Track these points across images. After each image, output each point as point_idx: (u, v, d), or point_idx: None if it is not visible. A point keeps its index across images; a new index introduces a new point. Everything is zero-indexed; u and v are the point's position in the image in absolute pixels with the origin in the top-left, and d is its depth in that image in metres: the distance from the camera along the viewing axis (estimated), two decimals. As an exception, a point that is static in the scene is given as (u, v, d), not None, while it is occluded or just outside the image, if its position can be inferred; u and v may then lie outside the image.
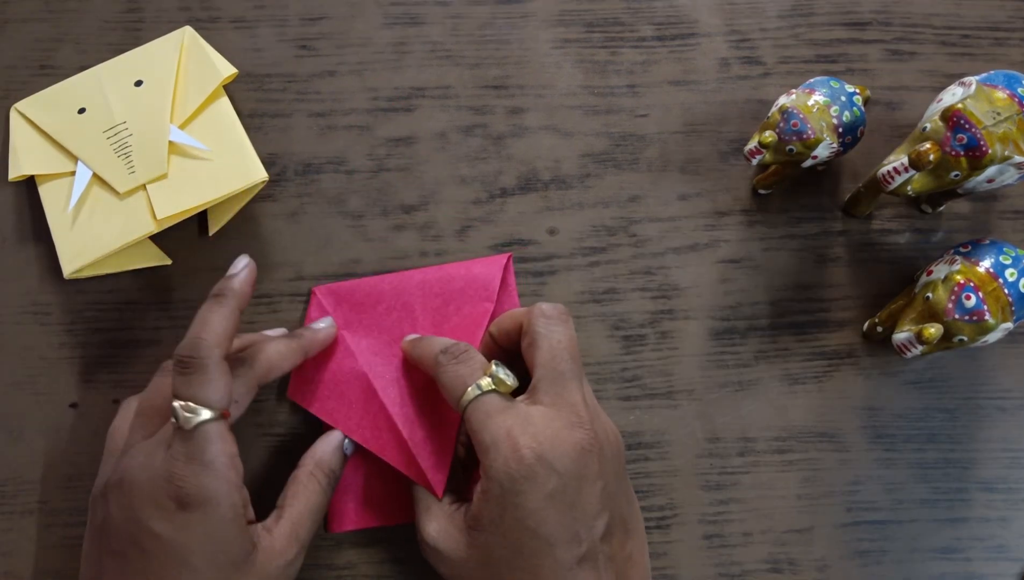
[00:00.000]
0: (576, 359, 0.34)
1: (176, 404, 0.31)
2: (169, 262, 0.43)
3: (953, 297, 0.35)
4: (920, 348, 0.36)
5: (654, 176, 0.45)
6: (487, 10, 0.48)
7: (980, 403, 0.42)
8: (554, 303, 0.36)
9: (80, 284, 0.43)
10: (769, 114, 0.40)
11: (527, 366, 0.35)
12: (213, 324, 0.33)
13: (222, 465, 0.31)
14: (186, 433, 0.31)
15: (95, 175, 0.42)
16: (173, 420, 0.31)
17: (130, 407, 0.37)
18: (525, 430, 0.32)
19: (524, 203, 0.45)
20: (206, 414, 0.31)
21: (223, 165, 0.42)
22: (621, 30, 0.48)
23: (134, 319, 0.42)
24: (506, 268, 0.42)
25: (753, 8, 0.48)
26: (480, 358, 0.35)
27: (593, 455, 0.32)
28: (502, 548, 0.32)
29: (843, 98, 0.40)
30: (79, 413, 0.41)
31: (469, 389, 0.33)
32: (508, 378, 0.34)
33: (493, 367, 0.34)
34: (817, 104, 0.40)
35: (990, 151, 0.35)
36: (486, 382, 0.33)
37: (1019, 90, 0.36)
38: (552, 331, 0.34)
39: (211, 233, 0.43)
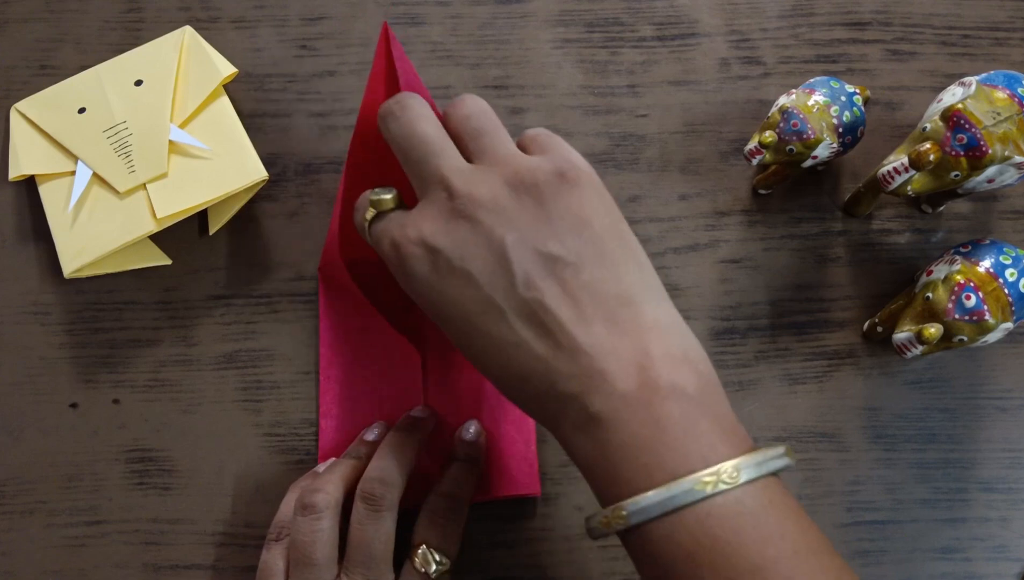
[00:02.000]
0: (429, 137, 0.32)
1: (423, 551, 0.34)
2: (169, 262, 0.43)
3: (953, 297, 0.35)
4: (920, 348, 0.36)
5: (654, 176, 0.45)
6: (487, 10, 0.48)
7: (980, 403, 0.42)
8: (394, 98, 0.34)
9: (80, 284, 0.43)
10: (769, 114, 0.40)
11: None
12: (406, 457, 0.36)
13: None
14: (427, 578, 0.34)
15: (95, 174, 0.42)
16: (417, 560, 0.34)
17: (282, 552, 0.36)
18: (402, 229, 0.31)
19: (524, 203, 0.44)
20: (446, 563, 0.35)
21: (223, 164, 0.42)
22: (621, 30, 0.48)
23: (134, 319, 0.42)
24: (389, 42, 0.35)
25: (753, 8, 0.48)
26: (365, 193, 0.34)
27: (467, 218, 0.30)
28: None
29: (843, 98, 0.40)
30: (79, 413, 0.41)
31: (363, 222, 0.34)
32: (381, 194, 0.33)
33: (369, 195, 0.33)
34: (817, 104, 0.40)
35: (990, 151, 0.35)
36: (369, 212, 0.33)
37: (1019, 90, 0.36)
38: (391, 128, 0.33)
39: (211, 233, 0.43)
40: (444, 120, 0.33)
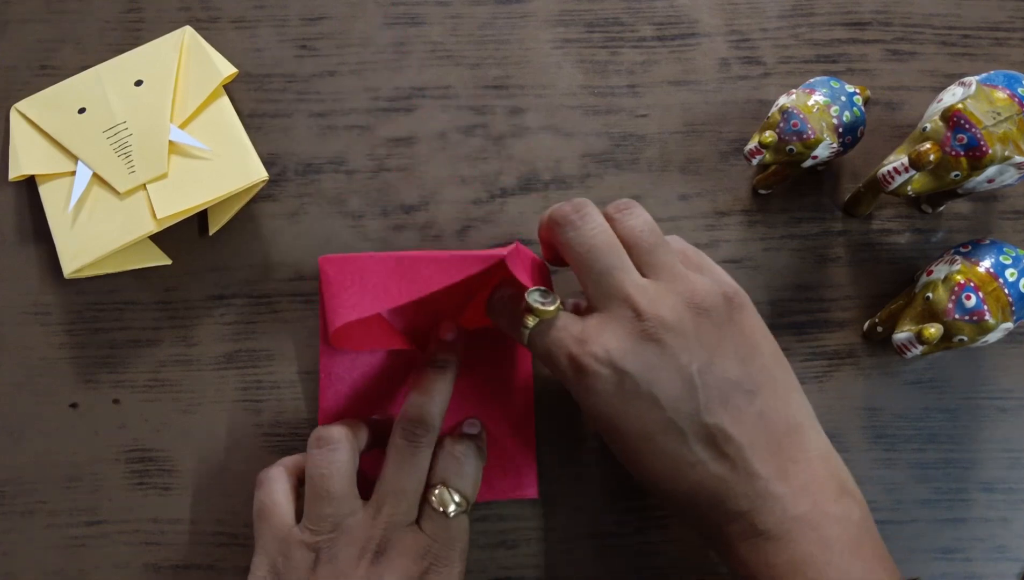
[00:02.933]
0: (610, 249, 0.34)
1: (440, 490, 0.34)
2: (169, 262, 0.43)
3: (953, 297, 0.35)
4: (920, 348, 0.36)
5: (654, 176, 0.45)
6: (487, 10, 0.48)
7: (980, 403, 0.42)
8: (566, 202, 0.35)
9: (80, 284, 0.43)
10: (769, 114, 0.40)
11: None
12: (443, 394, 0.37)
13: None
14: (447, 521, 0.34)
15: (95, 175, 0.42)
16: (434, 499, 0.34)
17: (281, 477, 0.36)
18: (583, 345, 0.32)
19: (524, 203, 0.45)
20: (463, 503, 0.35)
21: (223, 164, 0.42)
22: (621, 30, 0.48)
23: (134, 319, 0.42)
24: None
25: (753, 8, 0.48)
26: (520, 299, 0.35)
27: (656, 341, 0.32)
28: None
29: (843, 98, 0.40)
30: (79, 413, 0.41)
31: (523, 330, 0.34)
32: (543, 300, 0.34)
33: (527, 298, 0.34)
34: (817, 104, 0.40)
35: (990, 151, 0.35)
36: (531, 320, 0.34)
37: (1019, 90, 0.36)
38: (570, 237, 0.34)
39: (211, 233, 0.43)
40: (612, 226, 0.35)
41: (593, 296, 0.34)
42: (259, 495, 0.35)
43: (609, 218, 0.35)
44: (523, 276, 0.35)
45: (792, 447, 0.32)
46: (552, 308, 0.34)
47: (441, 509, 0.34)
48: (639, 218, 0.35)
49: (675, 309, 0.32)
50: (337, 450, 0.34)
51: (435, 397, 0.36)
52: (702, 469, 0.31)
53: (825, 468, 0.32)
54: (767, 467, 0.31)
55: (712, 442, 0.31)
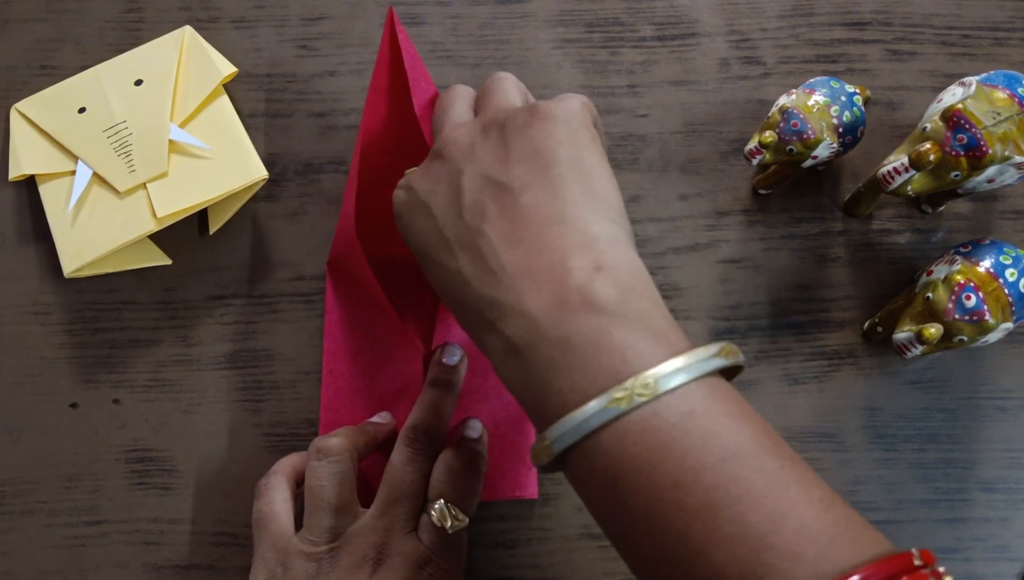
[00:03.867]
0: (450, 104, 0.34)
1: (440, 506, 0.34)
2: (169, 262, 0.43)
3: (953, 297, 0.35)
4: (920, 348, 0.36)
5: (654, 176, 0.45)
6: (487, 10, 0.48)
7: (980, 403, 0.42)
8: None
9: (80, 284, 0.43)
10: (769, 114, 0.40)
11: None
12: (446, 411, 0.37)
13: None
14: (446, 534, 0.34)
15: (95, 174, 0.42)
16: (434, 514, 0.34)
17: (280, 486, 0.36)
18: (402, 179, 0.33)
19: (524, 203, 0.44)
20: (463, 519, 0.34)
21: (223, 163, 0.42)
22: (621, 30, 0.48)
23: (134, 319, 0.42)
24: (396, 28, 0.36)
25: (753, 8, 0.48)
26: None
27: (440, 157, 0.31)
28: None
29: (843, 98, 0.40)
30: (79, 413, 0.41)
31: None
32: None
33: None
34: (817, 104, 0.40)
35: (990, 151, 0.35)
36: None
37: (1019, 90, 0.36)
38: (435, 114, 0.35)
39: (211, 232, 0.43)
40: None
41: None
42: (258, 505, 0.35)
43: None
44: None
45: (552, 238, 0.27)
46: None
47: (440, 524, 0.34)
48: (491, 80, 0.34)
49: (469, 128, 0.31)
50: (336, 461, 0.34)
51: (437, 413, 0.37)
52: (459, 275, 0.28)
53: (584, 254, 0.26)
54: (514, 262, 0.27)
55: (470, 244, 0.28)
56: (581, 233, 0.27)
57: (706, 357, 0.25)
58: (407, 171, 0.33)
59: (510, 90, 0.33)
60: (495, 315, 0.27)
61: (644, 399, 0.24)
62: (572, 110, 0.31)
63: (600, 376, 0.24)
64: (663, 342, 0.25)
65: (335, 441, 0.35)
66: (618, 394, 0.24)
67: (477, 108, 0.34)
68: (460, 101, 0.34)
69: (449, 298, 0.30)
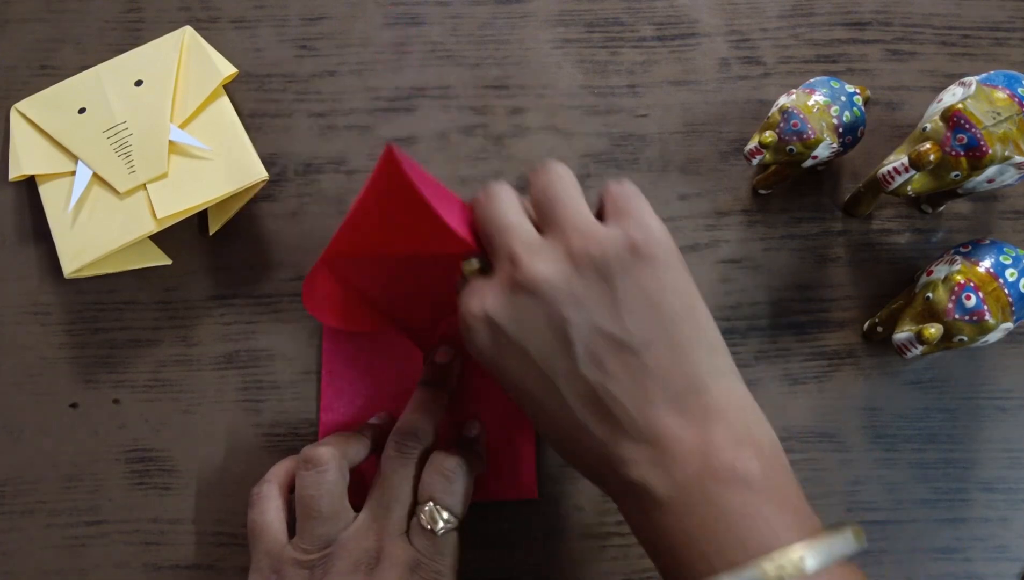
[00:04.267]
0: (504, 214, 0.32)
1: (429, 508, 0.34)
2: (169, 262, 0.43)
3: (953, 297, 0.35)
4: (920, 348, 0.36)
5: (654, 176, 0.45)
6: (487, 10, 0.48)
7: (980, 403, 0.42)
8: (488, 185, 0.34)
9: (80, 284, 0.43)
10: (769, 114, 0.40)
11: None
12: (435, 411, 0.37)
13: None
14: (437, 537, 0.33)
15: (95, 175, 0.42)
16: (423, 517, 0.34)
17: (272, 495, 0.36)
18: (468, 300, 0.32)
19: (524, 203, 0.45)
20: (453, 521, 0.34)
21: (223, 164, 0.42)
22: (621, 30, 0.48)
23: (134, 319, 0.42)
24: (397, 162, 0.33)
25: (753, 8, 0.48)
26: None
27: (528, 292, 0.30)
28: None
29: (843, 98, 0.40)
30: (79, 413, 0.41)
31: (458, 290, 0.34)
32: (466, 265, 0.33)
33: (463, 264, 0.34)
34: (817, 104, 0.40)
35: (990, 151, 0.35)
36: (460, 280, 0.34)
37: (1019, 90, 0.36)
38: (477, 215, 0.33)
39: (211, 233, 0.43)
40: (528, 191, 0.33)
41: (492, 262, 0.32)
42: (251, 514, 0.35)
43: (527, 182, 0.34)
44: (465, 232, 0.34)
45: (690, 407, 0.28)
46: (473, 267, 0.33)
47: (429, 527, 0.34)
48: (548, 174, 0.33)
49: (555, 261, 0.30)
50: (325, 471, 0.34)
51: (427, 414, 0.37)
52: (587, 432, 0.29)
53: (727, 425, 0.28)
54: (655, 429, 0.28)
55: (595, 402, 0.29)
56: (718, 402, 0.29)
57: (844, 540, 0.27)
58: (475, 284, 0.32)
59: (575, 196, 0.32)
60: (638, 476, 0.28)
61: (792, 575, 0.25)
62: (666, 243, 0.31)
63: (750, 547, 0.26)
64: (804, 520, 0.27)
65: (323, 450, 0.35)
66: (767, 567, 0.25)
67: (536, 215, 0.32)
68: (514, 211, 0.32)
69: (560, 442, 0.31)
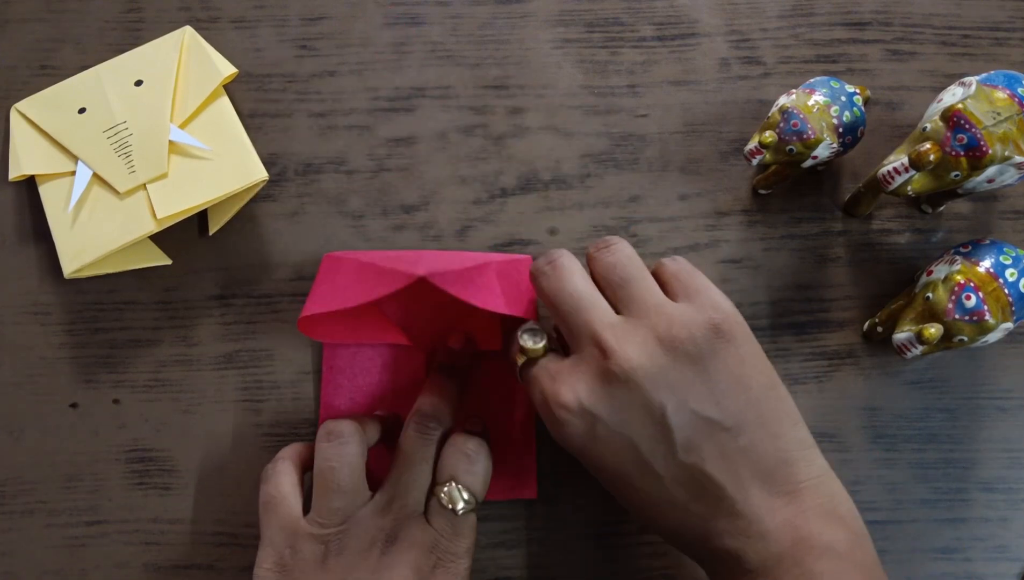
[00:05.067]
0: (577, 289, 0.33)
1: (449, 488, 0.34)
2: (169, 262, 0.43)
3: (953, 297, 0.35)
4: (920, 348, 0.36)
5: (654, 176, 0.45)
6: (487, 10, 0.48)
7: (980, 403, 0.42)
8: (545, 253, 0.35)
9: (80, 284, 0.43)
10: (769, 114, 0.40)
11: None
12: (454, 395, 0.37)
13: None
14: (455, 517, 0.33)
15: (95, 175, 0.42)
16: (443, 496, 0.34)
17: (288, 470, 0.36)
18: (555, 386, 0.32)
19: (524, 203, 0.45)
20: (472, 502, 0.34)
21: (223, 164, 0.42)
22: (621, 30, 0.48)
23: (134, 319, 0.42)
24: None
25: (753, 8, 0.48)
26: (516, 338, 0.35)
27: (624, 382, 0.31)
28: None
29: (843, 98, 0.40)
30: (79, 413, 0.41)
31: (516, 367, 0.35)
32: (530, 341, 0.34)
33: (518, 337, 0.35)
34: (817, 104, 0.40)
35: (990, 151, 0.35)
36: (520, 358, 0.35)
37: (1019, 90, 0.36)
38: (542, 285, 0.34)
39: (211, 233, 0.43)
40: (590, 265, 0.34)
41: (568, 339, 0.34)
42: (265, 488, 0.35)
43: (589, 257, 0.35)
44: (498, 304, 0.35)
45: (781, 481, 0.30)
46: (539, 346, 0.34)
47: (450, 506, 0.33)
48: (615, 254, 0.34)
49: (644, 345, 0.31)
50: (347, 443, 0.34)
51: (445, 397, 0.37)
52: (683, 509, 0.31)
53: (814, 498, 0.30)
54: (750, 505, 0.30)
55: (692, 482, 0.31)
56: (805, 475, 0.31)
57: None
58: (551, 365, 0.33)
59: (647, 275, 0.33)
60: (733, 546, 0.30)
61: None
62: (741, 319, 0.32)
63: None
64: None
65: (345, 423, 0.35)
66: None
67: (609, 293, 0.33)
68: (588, 288, 0.33)
69: (654, 520, 0.32)
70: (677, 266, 0.34)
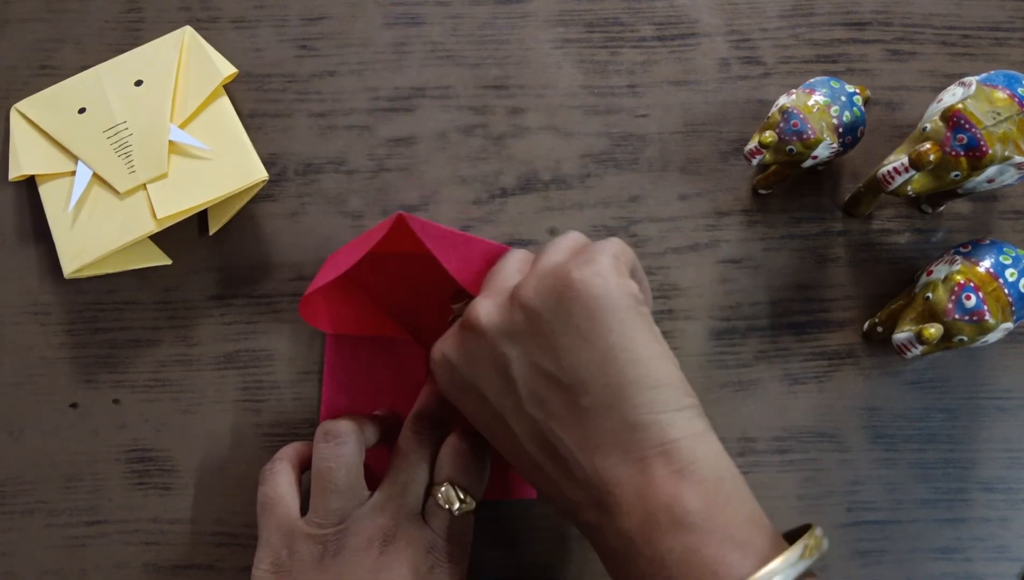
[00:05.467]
0: (489, 273, 0.34)
1: (446, 488, 0.34)
2: (169, 262, 0.43)
3: (953, 297, 0.35)
4: (920, 348, 0.36)
5: (654, 176, 0.45)
6: (487, 10, 0.48)
7: (980, 403, 0.42)
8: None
9: (80, 284, 0.43)
10: (769, 114, 0.40)
11: None
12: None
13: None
14: (452, 517, 0.34)
15: (95, 175, 0.42)
16: (440, 497, 0.34)
17: (286, 471, 0.36)
18: (437, 342, 0.34)
19: (524, 203, 0.45)
20: (470, 502, 0.34)
21: (223, 164, 0.42)
22: (621, 30, 0.48)
23: (134, 319, 0.42)
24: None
25: (753, 8, 0.48)
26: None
27: (473, 330, 0.31)
28: None
29: (843, 98, 0.40)
30: (79, 413, 0.41)
31: None
32: (456, 306, 0.36)
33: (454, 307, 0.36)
34: (817, 104, 0.40)
35: (990, 151, 0.35)
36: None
37: (1019, 90, 0.36)
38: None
39: (211, 233, 0.43)
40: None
41: None
42: (263, 489, 0.35)
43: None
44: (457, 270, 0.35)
45: (631, 448, 0.28)
46: (457, 307, 0.35)
47: (447, 507, 0.34)
48: (552, 242, 0.34)
49: (499, 302, 0.31)
50: (344, 443, 0.34)
51: (444, 398, 0.37)
52: (543, 473, 0.30)
53: (667, 464, 0.27)
54: (597, 473, 0.28)
55: (541, 441, 0.30)
56: (655, 437, 0.28)
57: (795, 560, 0.26)
58: (441, 338, 0.34)
59: (556, 254, 0.32)
60: (593, 520, 0.29)
61: None
62: (607, 278, 0.30)
63: None
64: (751, 553, 0.26)
65: (342, 424, 0.35)
66: None
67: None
68: (510, 267, 0.34)
69: (530, 480, 0.32)
70: (578, 240, 0.33)
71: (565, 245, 0.33)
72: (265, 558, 0.33)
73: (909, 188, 0.37)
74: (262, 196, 0.44)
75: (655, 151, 0.46)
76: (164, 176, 0.41)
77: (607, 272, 0.30)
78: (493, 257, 0.35)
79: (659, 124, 0.46)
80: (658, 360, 0.29)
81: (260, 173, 0.41)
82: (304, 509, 0.35)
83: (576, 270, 0.30)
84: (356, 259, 0.35)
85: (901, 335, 0.37)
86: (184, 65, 0.44)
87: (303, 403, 0.41)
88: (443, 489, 0.34)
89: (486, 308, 0.31)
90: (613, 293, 0.30)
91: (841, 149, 0.41)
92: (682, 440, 0.28)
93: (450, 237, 0.35)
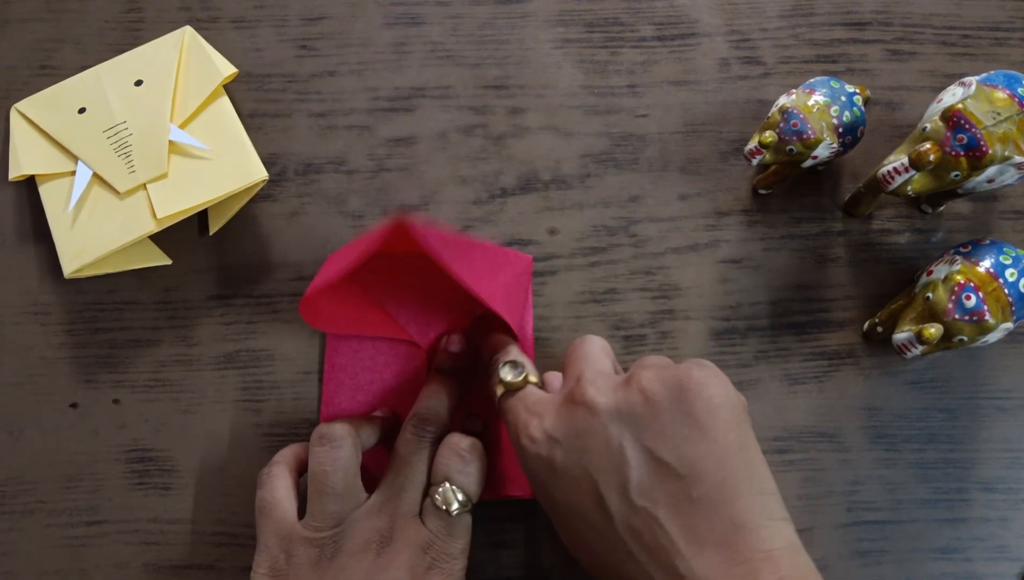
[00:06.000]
0: (577, 353, 0.35)
1: (444, 489, 0.34)
2: (169, 262, 0.43)
3: (953, 297, 0.35)
4: (920, 348, 0.36)
5: (654, 176, 0.45)
6: (487, 10, 0.48)
7: (980, 403, 0.42)
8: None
9: (80, 284, 0.43)
10: (769, 114, 0.40)
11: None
12: (450, 396, 0.38)
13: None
14: (450, 517, 0.33)
15: (95, 175, 0.42)
16: (438, 497, 0.34)
17: (283, 474, 0.36)
18: (528, 415, 0.33)
19: (524, 203, 0.45)
20: (467, 502, 0.34)
21: (223, 164, 0.42)
22: (621, 30, 0.48)
23: (134, 319, 0.42)
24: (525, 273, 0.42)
25: (753, 8, 0.48)
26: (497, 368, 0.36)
27: (585, 405, 0.31)
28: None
29: (843, 98, 0.40)
30: (79, 413, 0.41)
31: (496, 396, 0.36)
32: (510, 374, 0.35)
33: (499, 371, 0.35)
34: (817, 104, 0.40)
35: (990, 151, 0.35)
36: (499, 388, 0.35)
37: (1019, 90, 0.36)
38: (571, 349, 0.35)
39: (211, 233, 0.43)
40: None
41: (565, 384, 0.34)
42: (260, 493, 0.35)
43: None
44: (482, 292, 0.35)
45: (737, 548, 0.28)
46: (518, 379, 0.35)
47: (444, 507, 0.34)
48: (641, 365, 0.34)
49: (612, 385, 0.31)
50: (340, 447, 0.34)
51: (442, 399, 0.37)
52: (631, 561, 0.29)
53: (774, 570, 0.27)
54: (699, 567, 0.28)
55: (641, 529, 0.29)
56: (767, 544, 0.28)
57: None
58: (530, 395, 0.34)
59: (654, 359, 0.33)
60: None
61: None
62: (725, 382, 0.31)
63: None
64: None
65: (338, 427, 0.35)
66: None
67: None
68: (602, 352, 0.34)
69: (593, 556, 0.31)
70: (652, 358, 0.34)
71: (653, 358, 0.33)
72: (263, 562, 0.33)
73: (909, 188, 0.37)
74: (262, 196, 0.44)
75: (655, 151, 0.46)
76: (164, 176, 0.41)
77: (723, 377, 0.31)
78: (496, 261, 0.36)
79: (659, 124, 0.46)
80: (766, 468, 0.30)
81: (260, 173, 0.41)
82: (302, 512, 0.35)
83: (696, 369, 0.31)
84: (356, 259, 0.35)
85: (901, 335, 0.37)
86: (184, 65, 0.44)
87: (303, 403, 0.41)
88: (441, 490, 0.34)
89: (600, 388, 0.31)
90: (732, 396, 0.31)
91: (841, 149, 0.41)
92: (784, 550, 0.28)
93: (451, 244, 0.35)
